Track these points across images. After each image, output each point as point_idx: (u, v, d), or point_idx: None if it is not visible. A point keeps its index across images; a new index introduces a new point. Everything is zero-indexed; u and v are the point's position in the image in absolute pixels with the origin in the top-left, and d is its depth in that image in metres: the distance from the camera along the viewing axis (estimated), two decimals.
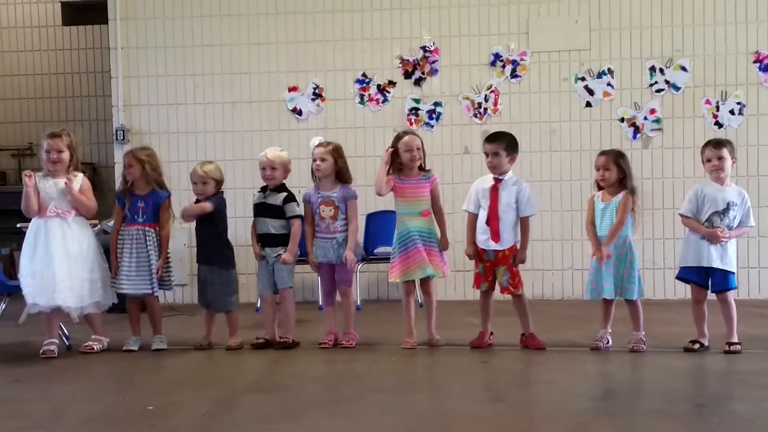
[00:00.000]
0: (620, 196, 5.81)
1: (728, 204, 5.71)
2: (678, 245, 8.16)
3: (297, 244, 6.07)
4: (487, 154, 5.99)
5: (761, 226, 8.02)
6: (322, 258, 6.11)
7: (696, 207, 5.79)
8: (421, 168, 6.10)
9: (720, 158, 5.72)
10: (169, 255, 6.22)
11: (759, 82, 8.38)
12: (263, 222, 6.08)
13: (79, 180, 6.05)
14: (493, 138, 6.02)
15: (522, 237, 5.97)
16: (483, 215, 5.96)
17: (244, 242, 6.43)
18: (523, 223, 5.97)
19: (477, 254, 6.02)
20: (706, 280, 5.74)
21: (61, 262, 5.82)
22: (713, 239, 5.68)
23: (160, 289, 6.21)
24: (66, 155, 5.99)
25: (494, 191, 5.94)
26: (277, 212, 6.06)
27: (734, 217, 5.71)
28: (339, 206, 6.06)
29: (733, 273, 5.74)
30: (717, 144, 5.79)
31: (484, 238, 5.96)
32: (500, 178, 5.97)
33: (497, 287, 5.99)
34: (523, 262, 5.96)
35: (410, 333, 6.04)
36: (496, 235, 5.90)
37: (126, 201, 6.14)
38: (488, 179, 6.03)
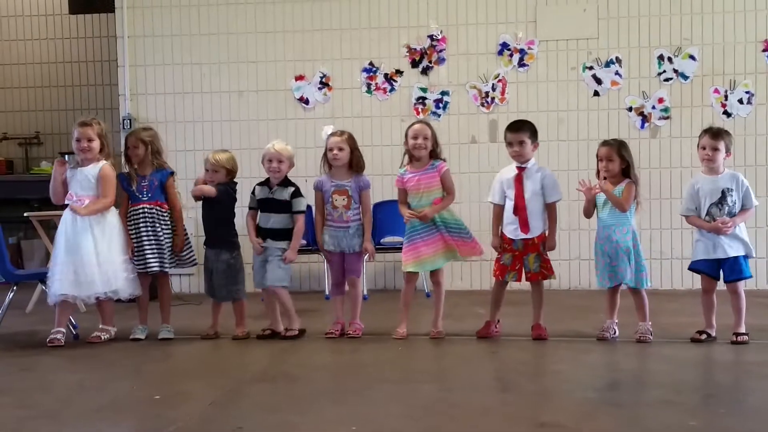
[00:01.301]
0: (622, 185, 5.78)
1: (723, 192, 5.67)
2: (685, 235, 8.22)
3: (299, 241, 6.06)
4: (511, 144, 5.94)
5: None
6: (333, 247, 6.08)
7: (694, 203, 5.78)
8: (433, 157, 6.06)
9: (715, 149, 5.68)
10: (186, 231, 6.27)
11: None
12: (267, 217, 6.07)
13: (98, 167, 5.98)
14: (518, 127, 5.98)
15: (550, 223, 5.95)
16: (510, 205, 5.93)
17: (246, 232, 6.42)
18: (550, 209, 5.94)
19: (503, 245, 5.99)
20: (717, 270, 5.71)
21: (88, 252, 5.83)
22: (718, 233, 5.66)
23: (182, 266, 6.29)
24: (96, 144, 5.98)
25: (518, 180, 5.92)
26: (283, 207, 6.04)
27: (734, 203, 5.67)
28: (353, 195, 6.04)
29: (746, 257, 5.67)
30: (715, 134, 5.74)
31: (512, 228, 5.92)
32: (523, 166, 5.95)
33: (523, 276, 5.95)
34: (552, 248, 5.95)
35: (402, 323, 6.04)
36: (525, 226, 5.87)
37: (132, 182, 6.14)
38: (511, 169, 6.00)
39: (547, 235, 5.96)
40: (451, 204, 6.05)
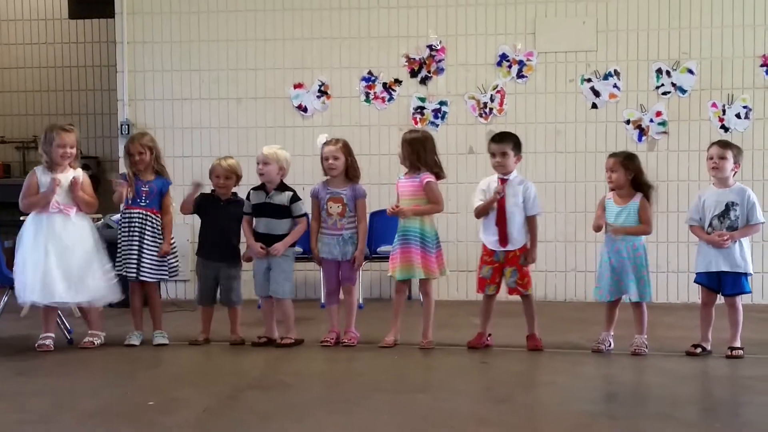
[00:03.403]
0: (637, 200, 5.78)
1: (727, 205, 5.68)
2: (681, 249, 8.24)
3: (295, 240, 6.05)
4: (493, 155, 5.95)
5: (766, 230, 7.99)
6: (326, 255, 6.10)
7: (698, 214, 5.79)
8: (421, 167, 6.04)
9: (721, 158, 5.69)
10: (174, 242, 6.26)
11: (765, 86, 8.36)
12: (266, 222, 6.06)
13: (77, 173, 6.00)
14: (501, 138, 6.00)
15: (531, 236, 5.94)
16: (492, 216, 5.94)
17: (245, 239, 6.42)
18: (531, 222, 5.94)
19: (483, 256, 5.99)
20: (717, 283, 5.72)
21: (59, 258, 5.81)
22: (715, 245, 5.66)
23: (169, 278, 6.26)
24: (75, 151, 5.99)
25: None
26: (282, 212, 6.04)
27: (737, 217, 5.67)
28: (347, 204, 6.05)
29: (746, 275, 5.69)
30: (724, 144, 5.79)
31: (493, 240, 5.94)
32: (505, 178, 5.96)
33: (503, 289, 5.97)
34: (533, 261, 5.94)
35: (391, 331, 6.04)
36: (504, 240, 5.88)
37: (131, 183, 6.13)
38: (493, 180, 6.01)
39: (528, 247, 5.94)
40: (435, 213, 6.08)
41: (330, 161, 6.03)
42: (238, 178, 6.25)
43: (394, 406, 4.44)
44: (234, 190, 6.31)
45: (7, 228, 9.50)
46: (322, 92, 8.72)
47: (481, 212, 5.97)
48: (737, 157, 5.74)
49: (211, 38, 8.79)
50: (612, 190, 5.91)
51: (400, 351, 5.89)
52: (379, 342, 6.03)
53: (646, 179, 5.84)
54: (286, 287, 6.04)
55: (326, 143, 6.10)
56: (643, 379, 5.29)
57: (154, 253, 6.10)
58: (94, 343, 6.00)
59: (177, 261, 6.29)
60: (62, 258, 5.82)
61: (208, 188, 6.33)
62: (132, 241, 6.07)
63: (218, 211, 6.19)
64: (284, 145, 6.67)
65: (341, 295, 6.20)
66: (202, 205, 6.24)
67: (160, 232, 6.16)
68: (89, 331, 6.08)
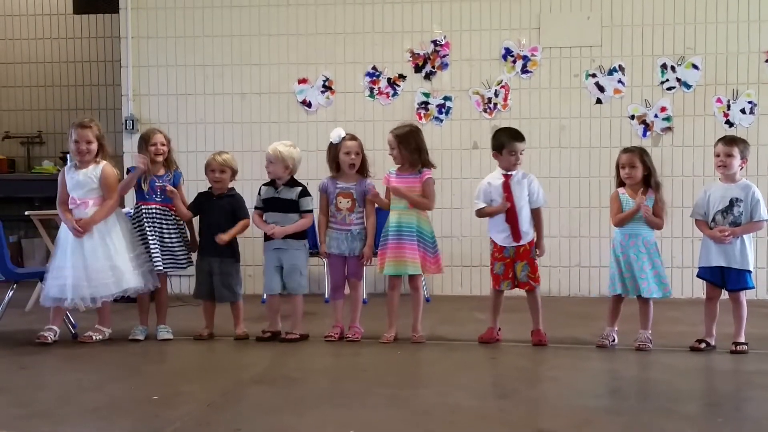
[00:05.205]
0: (653, 195, 5.76)
1: (731, 201, 5.67)
2: (686, 244, 8.24)
3: (296, 230, 6.04)
4: (514, 153, 5.94)
5: None
6: (335, 250, 6.10)
7: (702, 209, 5.78)
8: (421, 164, 6.05)
9: (728, 155, 5.68)
10: (185, 233, 6.29)
11: None
12: (274, 217, 6.06)
13: (99, 168, 5.99)
14: (523, 137, 5.97)
15: (537, 229, 5.98)
16: (502, 213, 5.93)
17: (250, 234, 6.42)
18: (537, 214, 5.97)
19: (494, 253, 6.00)
20: (720, 278, 5.71)
21: (78, 255, 5.81)
22: (715, 240, 5.66)
23: (182, 267, 6.26)
24: (94, 146, 5.99)
25: (507, 188, 5.93)
26: (290, 207, 6.05)
27: (740, 213, 5.66)
28: (357, 199, 6.06)
29: (749, 271, 5.67)
30: (730, 141, 5.76)
31: (503, 236, 5.94)
32: (510, 173, 5.96)
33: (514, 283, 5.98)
34: (543, 252, 6.00)
35: (390, 327, 6.05)
36: (517, 235, 5.89)
37: (145, 181, 6.12)
38: (496, 176, 6.01)
39: (536, 240, 5.98)
40: (428, 211, 6.09)
41: (352, 156, 6.04)
42: (233, 172, 6.23)
43: (397, 400, 4.44)
44: (231, 185, 6.30)
45: (13, 223, 9.53)
46: (327, 87, 8.72)
47: (486, 215, 6.00)
48: (744, 152, 5.72)
49: (216, 33, 8.79)
50: (623, 185, 5.86)
51: (404, 346, 5.90)
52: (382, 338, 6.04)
53: (658, 179, 5.82)
54: (301, 282, 6.07)
55: (346, 138, 6.09)
56: (647, 375, 5.29)
57: (172, 246, 6.13)
58: (92, 338, 6.00)
59: (187, 252, 6.29)
60: (81, 254, 5.82)
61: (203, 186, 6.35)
62: (153, 235, 6.08)
63: (211, 207, 6.19)
64: (288, 140, 6.67)
65: (346, 290, 6.20)
66: (200, 202, 6.25)
67: (183, 225, 6.23)
68: (96, 326, 6.08)
